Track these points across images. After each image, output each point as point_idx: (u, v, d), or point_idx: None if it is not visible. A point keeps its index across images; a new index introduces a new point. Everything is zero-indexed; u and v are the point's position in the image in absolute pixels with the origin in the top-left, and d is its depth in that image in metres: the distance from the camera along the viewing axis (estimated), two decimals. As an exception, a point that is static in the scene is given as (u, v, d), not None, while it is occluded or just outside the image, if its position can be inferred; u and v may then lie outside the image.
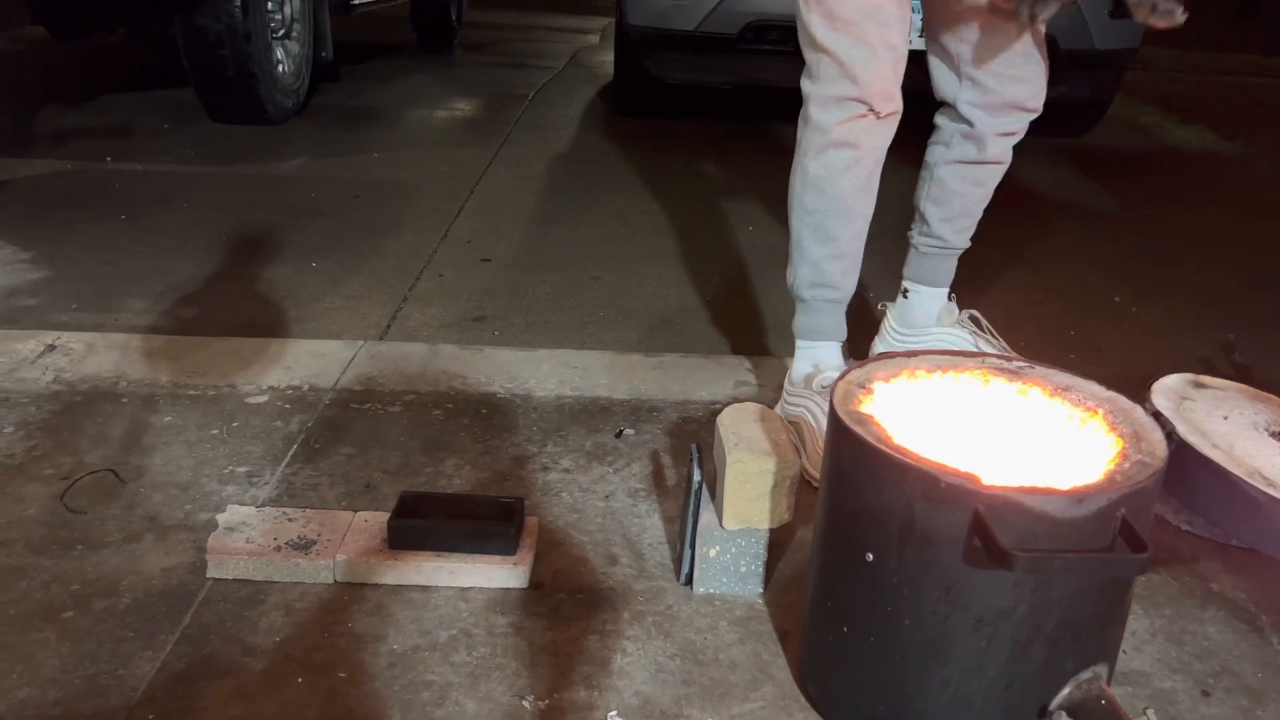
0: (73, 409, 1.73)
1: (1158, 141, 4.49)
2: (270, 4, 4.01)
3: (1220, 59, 6.97)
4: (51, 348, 1.94)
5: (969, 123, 1.72)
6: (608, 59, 5.29)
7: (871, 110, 1.59)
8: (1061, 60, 3.90)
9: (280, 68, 4.08)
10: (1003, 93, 1.68)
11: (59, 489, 1.51)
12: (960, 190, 1.80)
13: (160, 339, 2.02)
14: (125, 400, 1.77)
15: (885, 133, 1.64)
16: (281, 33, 4.14)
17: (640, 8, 4.03)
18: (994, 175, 1.80)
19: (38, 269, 2.44)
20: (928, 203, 1.83)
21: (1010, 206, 3.43)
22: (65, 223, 2.79)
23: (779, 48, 3.79)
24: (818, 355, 1.74)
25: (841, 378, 1.15)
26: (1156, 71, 6.29)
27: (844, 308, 1.75)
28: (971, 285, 2.62)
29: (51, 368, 1.87)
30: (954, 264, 1.90)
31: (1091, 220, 3.29)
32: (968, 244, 1.88)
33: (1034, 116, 1.73)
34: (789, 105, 1.76)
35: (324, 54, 4.43)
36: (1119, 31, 3.79)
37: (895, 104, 1.62)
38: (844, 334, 1.76)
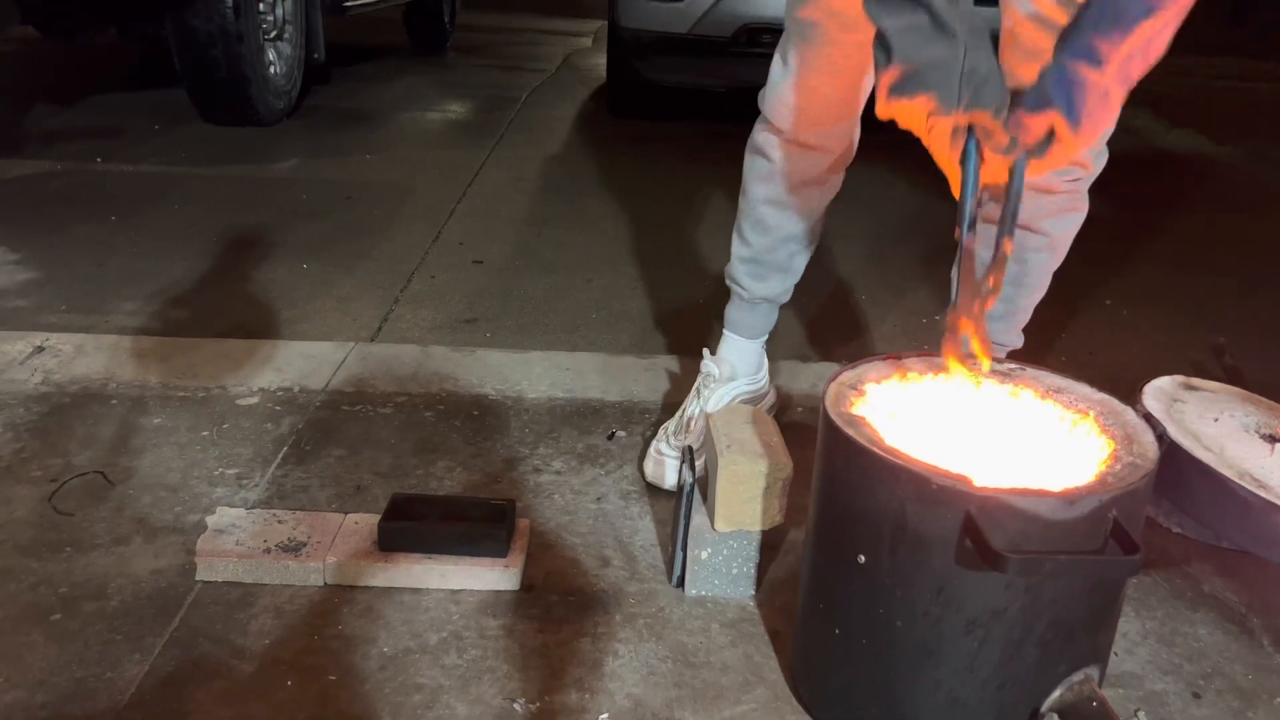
0: (62, 410, 1.72)
1: (1149, 144, 4.50)
2: (262, 5, 4.00)
3: (1211, 62, 6.99)
4: (40, 349, 1.93)
5: None
6: (601, 62, 5.30)
7: (778, 131, 1.52)
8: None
9: (272, 69, 4.07)
10: None
11: (47, 491, 1.50)
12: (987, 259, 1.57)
13: (150, 340, 2.01)
14: (115, 402, 1.76)
15: (803, 162, 1.54)
16: (273, 34, 4.13)
17: (633, 11, 4.04)
18: (1031, 249, 1.50)
19: (27, 270, 2.43)
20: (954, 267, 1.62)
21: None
22: (55, 224, 2.78)
23: (772, 50, 3.80)
24: (722, 340, 1.72)
25: (834, 379, 1.14)
26: (1148, 75, 6.31)
27: (757, 310, 1.68)
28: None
29: (40, 369, 1.86)
30: None
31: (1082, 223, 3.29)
32: (1007, 341, 1.61)
33: (1073, 176, 1.45)
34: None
35: (316, 55, 4.42)
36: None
37: (807, 138, 1.50)
38: (752, 332, 1.70)
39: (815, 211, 1.61)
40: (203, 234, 2.75)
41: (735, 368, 1.70)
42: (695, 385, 1.70)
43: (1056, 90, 1.01)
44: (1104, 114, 1.04)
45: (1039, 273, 1.55)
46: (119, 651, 1.20)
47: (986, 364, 1.13)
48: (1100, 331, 2.43)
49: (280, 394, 1.82)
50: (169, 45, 3.83)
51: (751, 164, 1.61)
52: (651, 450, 1.62)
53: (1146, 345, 2.35)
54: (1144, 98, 5.57)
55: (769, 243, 1.63)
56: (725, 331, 1.72)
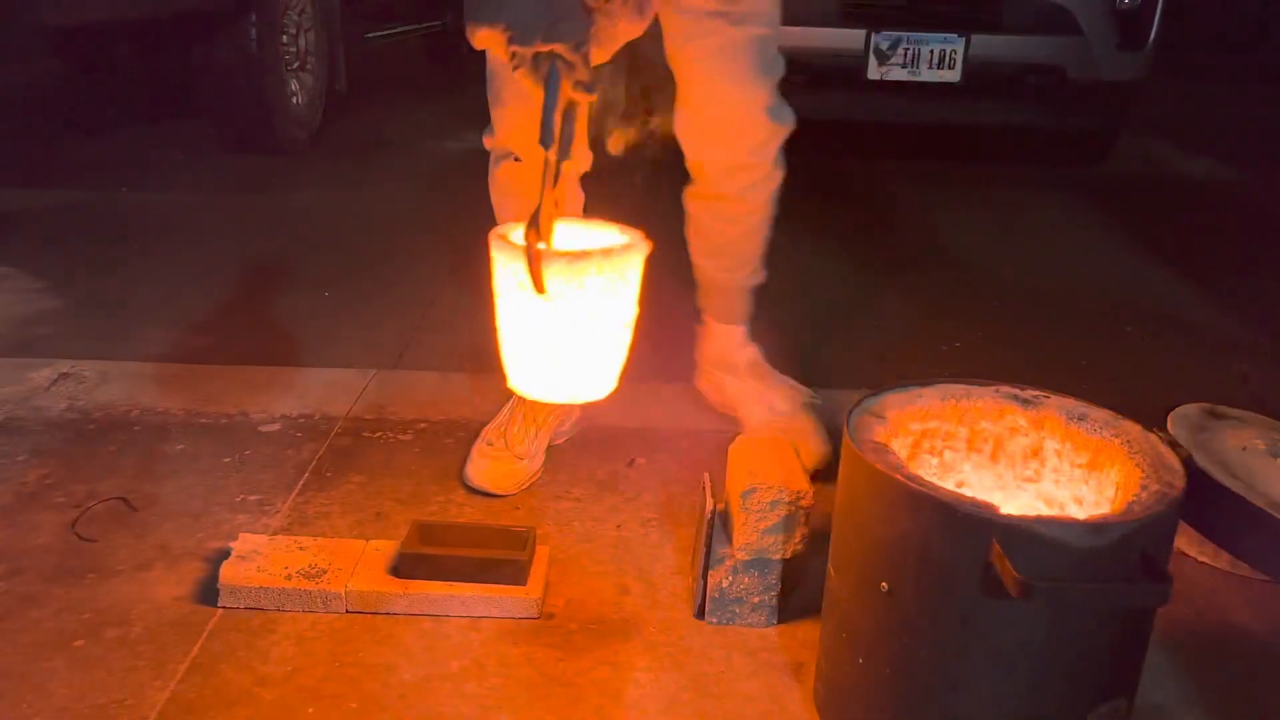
0: (86, 437, 1.74)
1: (1169, 172, 4.49)
2: (285, 37, 4.05)
3: (1232, 90, 6.98)
4: (65, 376, 1.95)
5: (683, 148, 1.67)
6: (618, 90, 5.32)
7: (516, 159, 1.61)
8: (1070, 90, 3.94)
9: (295, 99, 4.11)
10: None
11: (71, 517, 1.51)
12: (708, 226, 1.80)
13: (173, 367, 2.03)
14: (138, 428, 1.77)
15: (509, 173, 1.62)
16: (296, 65, 4.18)
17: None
18: (742, 214, 1.74)
19: (52, 298, 2.46)
20: (686, 229, 1.83)
21: (1019, 235, 3.44)
22: (80, 252, 2.81)
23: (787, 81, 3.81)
24: None
25: (855, 406, 1.14)
26: (1168, 103, 6.31)
27: None
28: (980, 313, 2.61)
29: (65, 396, 1.87)
30: (736, 302, 1.84)
31: (1101, 250, 3.28)
32: (746, 282, 1.82)
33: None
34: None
35: (338, 86, 4.47)
36: (1126, 63, 3.81)
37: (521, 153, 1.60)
38: None
39: None
40: (225, 262, 2.78)
41: None
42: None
43: None
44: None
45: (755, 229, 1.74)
46: (141, 678, 1.20)
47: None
48: (1121, 359, 2.41)
49: (302, 421, 1.83)
50: (193, 77, 3.88)
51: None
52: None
53: (1169, 373, 2.34)
54: (1164, 126, 5.55)
55: None
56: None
